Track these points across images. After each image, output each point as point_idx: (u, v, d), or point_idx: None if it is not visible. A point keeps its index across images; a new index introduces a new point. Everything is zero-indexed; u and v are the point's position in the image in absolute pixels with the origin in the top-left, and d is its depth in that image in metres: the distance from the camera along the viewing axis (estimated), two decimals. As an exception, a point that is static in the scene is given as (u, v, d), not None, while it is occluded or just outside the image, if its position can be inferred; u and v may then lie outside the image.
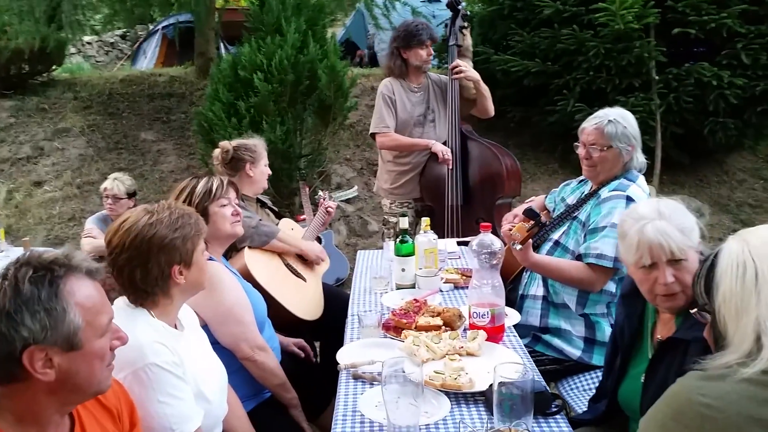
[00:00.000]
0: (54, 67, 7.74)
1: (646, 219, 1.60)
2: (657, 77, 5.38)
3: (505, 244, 2.17)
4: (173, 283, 1.59)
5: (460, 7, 3.82)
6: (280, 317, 2.59)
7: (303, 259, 2.97)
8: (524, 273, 2.62)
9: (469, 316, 2.00)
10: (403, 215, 2.66)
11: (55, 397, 1.13)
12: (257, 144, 2.94)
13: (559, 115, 5.70)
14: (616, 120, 2.32)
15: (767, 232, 1.16)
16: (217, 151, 2.91)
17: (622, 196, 2.27)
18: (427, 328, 2.00)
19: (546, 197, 2.87)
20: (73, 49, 12.64)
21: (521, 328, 2.47)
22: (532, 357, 2.34)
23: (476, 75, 3.70)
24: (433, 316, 2.08)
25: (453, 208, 3.62)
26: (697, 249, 1.58)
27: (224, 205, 2.17)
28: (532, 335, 2.48)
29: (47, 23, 6.46)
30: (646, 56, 5.21)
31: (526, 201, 2.98)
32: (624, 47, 5.22)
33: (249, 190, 2.90)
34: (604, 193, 2.35)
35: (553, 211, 2.73)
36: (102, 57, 13.97)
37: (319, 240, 4.46)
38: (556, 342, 2.41)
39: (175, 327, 1.67)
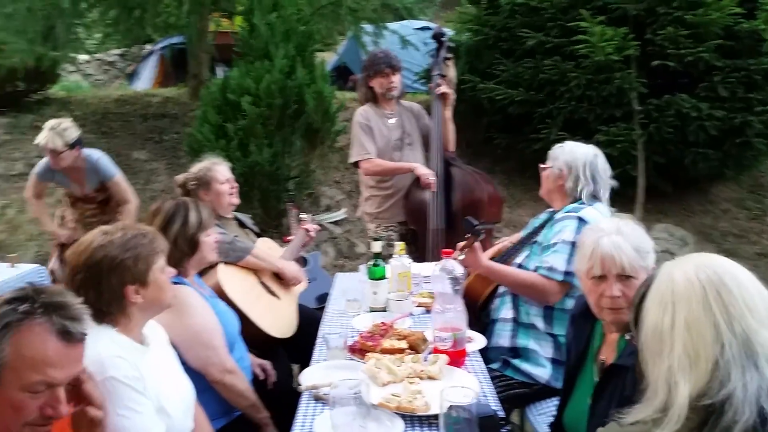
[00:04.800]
0: (49, 86, 7.85)
1: (604, 232, 1.69)
2: (638, 108, 5.50)
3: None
4: (129, 302, 1.63)
5: (444, 39, 3.95)
6: (252, 335, 2.63)
7: (280, 278, 3.03)
8: (495, 299, 2.69)
9: (433, 340, 2.06)
10: (376, 239, 2.72)
11: None
12: (203, 168, 2.97)
13: (542, 143, 5.79)
14: (563, 146, 2.55)
15: (693, 268, 1.10)
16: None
17: (573, 217, 2.40)
18: (392, 351, 2.05)
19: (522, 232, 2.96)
20: (72, 68, 12.74)
21: (492, 351, 2.54)
22: (501, 381, 2.42)
23: (453, 97, 3.81)
24: (398, 339, 2.13)
25: (436, 232, 3.67)
26: (650, 272, 1.64)
27: (209, 235, 2.25)
28: (502, 360, 2.54)
29: (42, 42, 6.56)
30: (627, 87, 5.34)
31: (499, 241, 3.08)
32: (605, 78, 5.35)
33: (219, 210, 2.96)
34: (559, 215, 2.49)
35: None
36: (101, 75, 14.05)
37: (305, 261, 4.53)
38: (525, 366, 2.46)
39: (141, 343, 1.72)
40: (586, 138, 5.55)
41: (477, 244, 2.43)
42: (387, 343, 2.09)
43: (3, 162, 6.53)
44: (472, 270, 2.50)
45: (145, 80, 11.00)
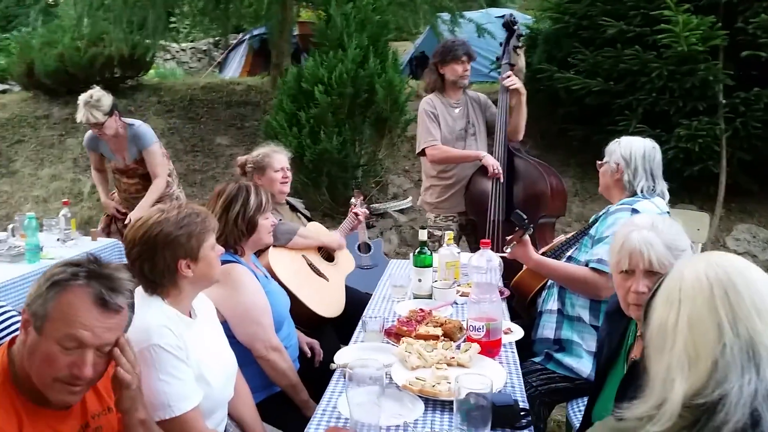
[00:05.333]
0: (142, 73, 8.37)
1: (636, 227, 1.66)
2: (724, 101, 5.19)
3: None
4: (180, 276, 1.76)
5: (515, 27, 3.89)
6: (301, 314, 2.76)
7: (327, 259, 3.13)
8: (543, 291, 2.68)
9: (467, 329, 2.09)
10: (423, 228, 2.76)
11: (31, 370, 1.29)
12: (262, 153, 3.11)
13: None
14: (621, 141, 2.49)
15: (704, 267, 1.08)
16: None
17: (627, 208, 2.35)
18: (426, 337, 2.09)
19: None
20: (168, 56, 13.51)
21: (537, 344, 2.55)
22: (543, 375, 2.41)
23: (524, 89, 3.75)
24: (435, 326, 2.17)
25: (495, 224, 3.66)
26: None
27: (267, 218, 2.37)
28: (545, 353, 2.53)
29: (136, 31, 7.01)
30: (711, 79, 5.05)
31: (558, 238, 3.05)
32: (689, 69, 5.08)
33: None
34: (613, 208, 2.45)
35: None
36: (195, 63, 14.76)
37: (368, 247, 4.64)
38: (567, 360, 2.44)
39: (189, 315, 1.85)
40: (667, 132, 5.35)
41: (526, 238, 2.42)
42: (422, 329, 2.13)
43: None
44: (526, 264, 2.49)
45: (234, 69, 11.46)
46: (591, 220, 2.65)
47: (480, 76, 7.06)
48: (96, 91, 3.64)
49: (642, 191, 2.43)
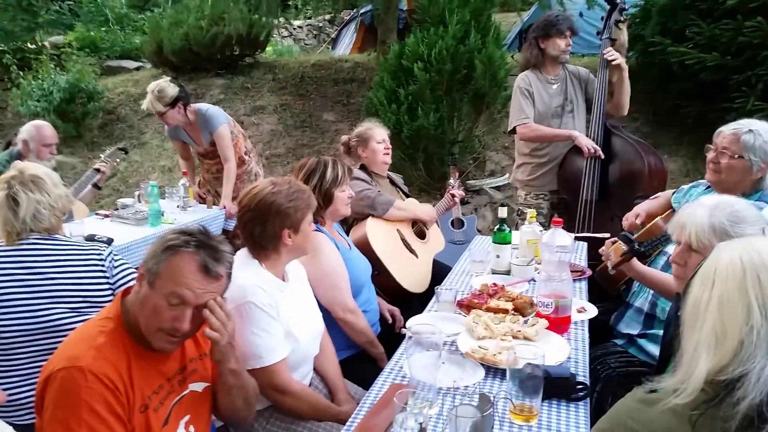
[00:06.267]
0: (259, 51, 8.83)
1: (700, 204, 1.65)
2: None
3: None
4: (282, 243, 1.98)
5: (618, 1, 3.77)
6: (388, 285, 2.94)
7: (420, 237, 3.28)
8: (634, 282, 2.61)
9: (536, 305, 2.16)
10: (503, 205, 2.83)
11: (140, 318, 1.52)
12: (364, 127, 3.31)
13: (736, 113, 5.24)
14: (758, 132, 2.22)
15: (740, 250, 1.10)
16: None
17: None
18: (496, 310, 2.19)
19: (673, 194, 2.83)
20: (285, 32, 14.06)
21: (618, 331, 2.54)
22: (622, 357, 2.42)
23: (626, 65, 3.64)
24: (506, 301, 2.26)
25: (587, 203, 3.63)
26: None
27: (344, 190, 2.55)
28: (627, 337, 2.52)
29: (254, 11, 7.40)
30: (844, 52, 4.62)
31: (653, 197, 2.97)
32: (817, 42, 4.68)
33: (374, 168, 3.27)
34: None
35: (674, 212, 2.71)
36: (310, 40, 15.25)
37: (462, 223, 4.74)
38: (650, 347, 2.39)
39: (283, 278, 2.07)
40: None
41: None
42: (493, 303, 2.23)
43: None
44: (627, 272, 2.36)
45: (346, 45, 11.71)
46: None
47: (592, 48, 6.84)
48: (162, 82, 3.82)
49: None
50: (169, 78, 3.95)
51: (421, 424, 1.32)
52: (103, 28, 10.43)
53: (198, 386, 1.65)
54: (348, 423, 1.60)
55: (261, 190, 2.00)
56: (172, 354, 1.59)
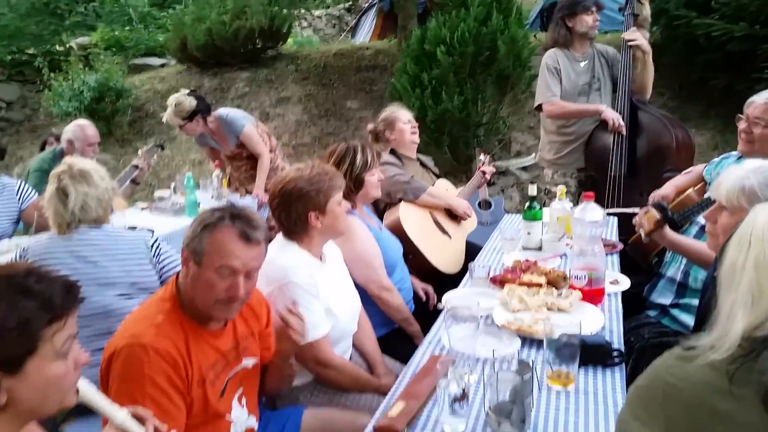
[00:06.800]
0: (281, 43, 8.90)
1: (741, 166, 1.68)
2: None
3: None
4: (310, 226, 2.05)
5: (639, -25, 3.75)
6: (422, 266, 3.00)
7: (453, 219, 3.33)
8: (667, 252, 2.63)
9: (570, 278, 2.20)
10: (532, 183, 2.86)
11: (195, 295, 1.60)
12: (388, 111, 3.36)
13: (766, 83, 5.18)
14: None
15: None
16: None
17: None
18: (529, 285, 2.24)
19: (705, 167, 2.83)
20: (305, 23, 14.12)
21: (651, 302, 2.56)
22: (655, 329, 2.45)
23: (648, 48, 3.63)
24: (539, 276, 2.31)
25: (616, 179, 3.64)
26: None
27: (374, 174, 2.61)
28: (661, 308, 2.54)
29: (275, 3, 7.47)
30: None
31: (684, 172, 2.98)
32: None
33: (404, 149, 3.32)
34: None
35: (708, 184, 2.72)
36: (329, 30, 15.29)
37: (489, 204, 4.77)
38: (683, 317, 2.42)
39: (320, 258, 2.14)
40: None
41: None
42: (526, 278, 2.28)
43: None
44: (659, 241, 2.38)
45: (365, 33, 11.70)
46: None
47: (615, 24, 6.78)
48: (180, 95, 3.93)
49: None
50: (187, 91, 4.06)
51: (463, 389, 1.38)
52: (127, 27, 10.60)
53: (249, 362, 1.74)
54: (392, 390, 1.67)
55: (284, 177, 2.07)
56: (226, 331, 1.68)
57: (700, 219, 2.46)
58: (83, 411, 1.92)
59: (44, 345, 1.03)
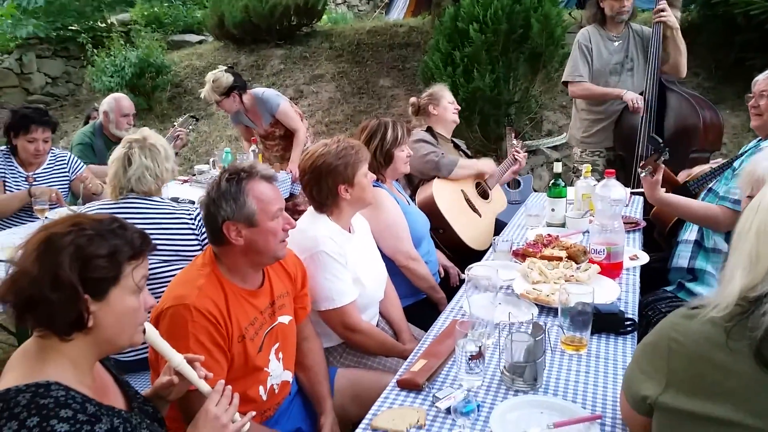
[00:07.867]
0: (315, 20, 8.98)
1: None
2: None
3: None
4: (340, 198, 2.18)
5: (671, -47, 3.74)
6: (452, 241, 3.12)
7: (484, 197, 3.43)
8: (684, 222, 2.71)
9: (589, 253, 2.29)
10: (557, 160, 2.93)
11: (247, 258, 1.75)
12: (435, 88, 3.50)
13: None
14: None
15: None
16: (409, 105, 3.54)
17: None
18: (550, 258, 2.34)
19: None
20: (339, 0, 14.13)
21: (672, 273, 2.64)
22: (672, 303, 2.53)
23: (676, 23, 3.64)
24: (560, 250, 2.40)
25: (643, 159, 3.68)
26: None
27: (403, 150, 2.72)
28: (677, 283, 2.62)
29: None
30: None
31: (713, 161, 3.04)
32: None
33: (442, 128, 3.42)
34: (766, 143, 2.39)
35: (735, 171, 2.76)
36: (363, 6, 15.24)
37: (518, 183, 4.84)
38: (698, 289, 2.49)
39: (349, 230, 2.27)
40: None
41: (660, 167, 2.43)
42: (547, 252, 2.38)
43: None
44: (650, 199, 2.54)
45: (400, 9, 11.67)
46: (740, 152, 2.62)
47: (649, 2, 6.68)
48: (218, 72, 4.08)
49: None
50: (224, 68, 4.20)
51: (480, 347, 1.50)
52: (165, 4, 10.78)
53: (285, 319, 1.88)
54: (415, 350, 1.80)
55: (313, 153, 2.20)
56: (263, 290, 1.82)
57: (713, 186, 2.56)
58: (130, 368, 2.11)
59: (125, 278, 1.21)
